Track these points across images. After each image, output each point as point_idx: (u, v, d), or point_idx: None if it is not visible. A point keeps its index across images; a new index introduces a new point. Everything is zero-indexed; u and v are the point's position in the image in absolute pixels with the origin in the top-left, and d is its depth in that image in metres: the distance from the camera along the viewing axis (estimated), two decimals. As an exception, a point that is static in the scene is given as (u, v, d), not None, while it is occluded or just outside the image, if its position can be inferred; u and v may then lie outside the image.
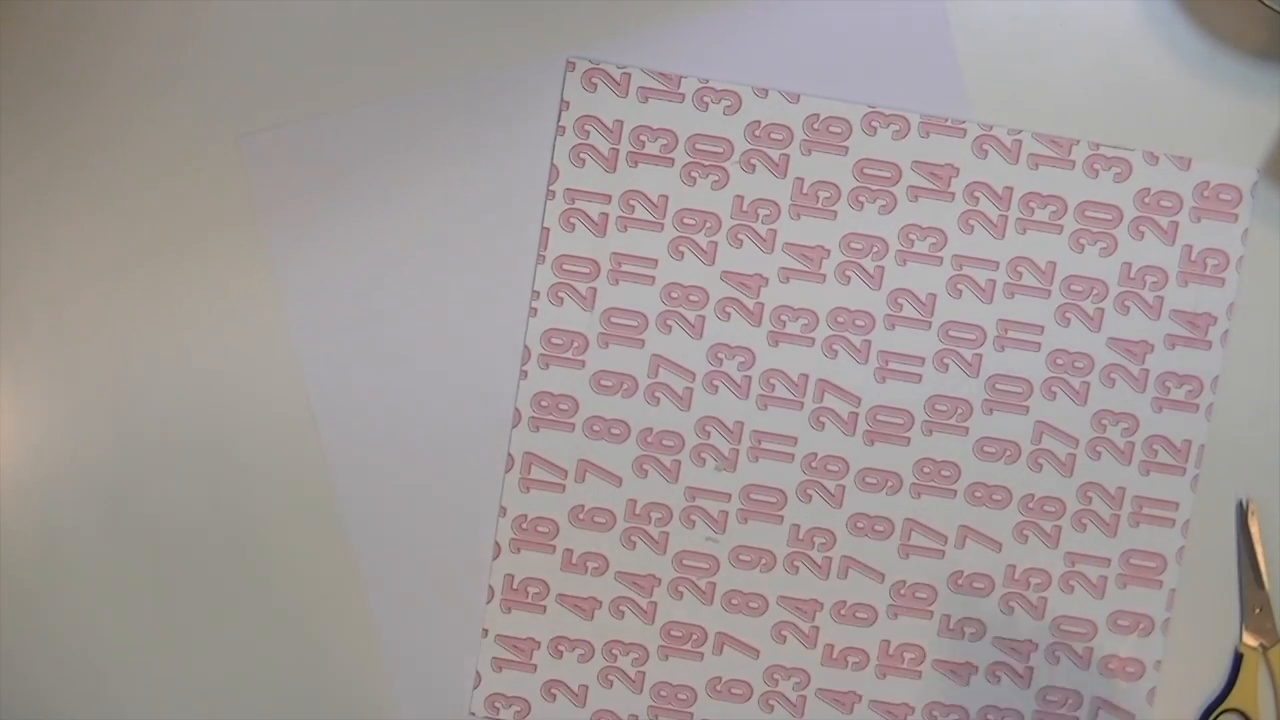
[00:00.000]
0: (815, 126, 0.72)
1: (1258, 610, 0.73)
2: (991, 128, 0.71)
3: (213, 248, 0.73)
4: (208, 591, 0.75)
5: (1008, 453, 0.72)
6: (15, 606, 0.75)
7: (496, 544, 0.74)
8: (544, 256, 0.72)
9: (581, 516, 0.74)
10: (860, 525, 0.73)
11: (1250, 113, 0.72)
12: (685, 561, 0.74)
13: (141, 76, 0.72)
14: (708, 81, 0.72)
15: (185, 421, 0.74)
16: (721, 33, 0.72)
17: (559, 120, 0.72)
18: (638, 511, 0.73)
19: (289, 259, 0.73)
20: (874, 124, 0.71)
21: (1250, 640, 0.73)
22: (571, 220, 0.72)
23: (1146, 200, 0.71)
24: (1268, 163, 0.71)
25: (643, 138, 0.72)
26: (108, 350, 0.73)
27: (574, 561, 0.74)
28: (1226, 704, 0.73)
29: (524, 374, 0.73)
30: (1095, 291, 0.72)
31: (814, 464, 0.73)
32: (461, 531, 0.74)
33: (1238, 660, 0.73)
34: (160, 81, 0.72)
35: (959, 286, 0.72)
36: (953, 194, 0.72)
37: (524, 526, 0.73)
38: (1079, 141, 0.71)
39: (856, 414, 0.73)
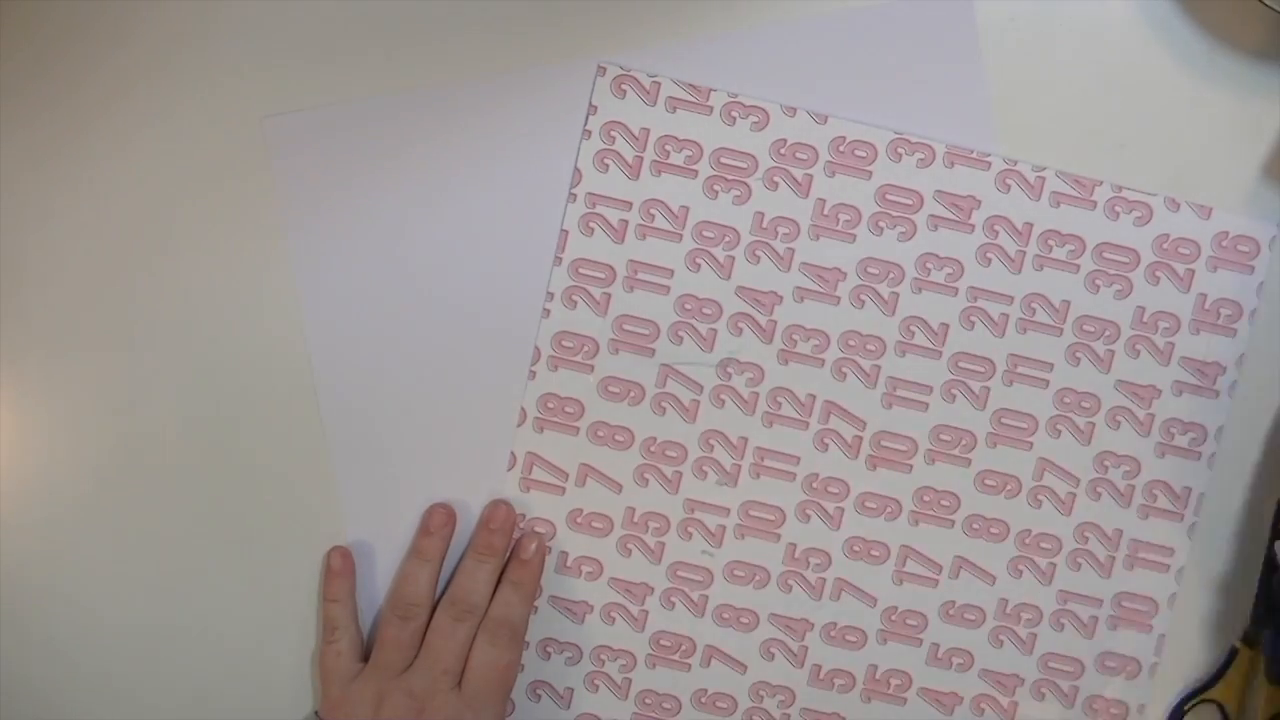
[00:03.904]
0: (841, 149, 0.72)
1: None
2: (1016, 163, 0.72)
3: (227, 234, 0.73)
4: (205, 586, 0.75)
5: (1008, 487, 0.74)
6: (15, 606, 0.76)
7: (493, 541, 0.75)
8: (560, 259, 0.73)
9: (579, 520, 0.75)
10: (856, 549, 0.74)
11: (1250, 113, 0.72)
12: (679, 573, 0.75)
13: (161, 56, 0.73)
14: (737, 96, 0.72)
15: (188, 415, 0.74)
16: (753, 49, 0.72)
17: (585, 124, 0.73)
18: (636, 519, 0.74)
19: (306, 245, 0.73)
20: (900, 150, 0.72)
21: (1249, 639, 0.74)
22: (591, 225, 0.73)
23: (1165, 246, 0.72)
24: (1268, 162, 0.72)
25: (668, 147, 0.73)
26: (111, 344, 0.74)
27: (568, 564, 0.75)
28: (1208, 694, 0.74)
29: (532, 374, 0.74)
30: (1107, 333, 0.73)
31: (815, 484, 0.74)
32: (459, 526, 0.75)
33: (1232, 654, 0.74)
34: (181, 61, 0.73)
35: (972, 318, 0.73)
36: (973, 226, 0.73)
37: (521, 526, 0.74)
38: (1102, 183, 0.72)
39: (861, 438, 0.74)
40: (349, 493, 0.75)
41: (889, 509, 0.74)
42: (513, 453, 0.74)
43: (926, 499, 0.74)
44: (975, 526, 0.74)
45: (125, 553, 0.75)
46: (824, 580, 0.74)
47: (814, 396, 0.74)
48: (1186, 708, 0.74)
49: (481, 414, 0.74)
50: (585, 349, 0.74)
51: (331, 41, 0.73)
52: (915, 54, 0.72)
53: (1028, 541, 0.74)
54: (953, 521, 0.74)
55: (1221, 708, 0.75)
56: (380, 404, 0.74)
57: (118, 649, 0.76)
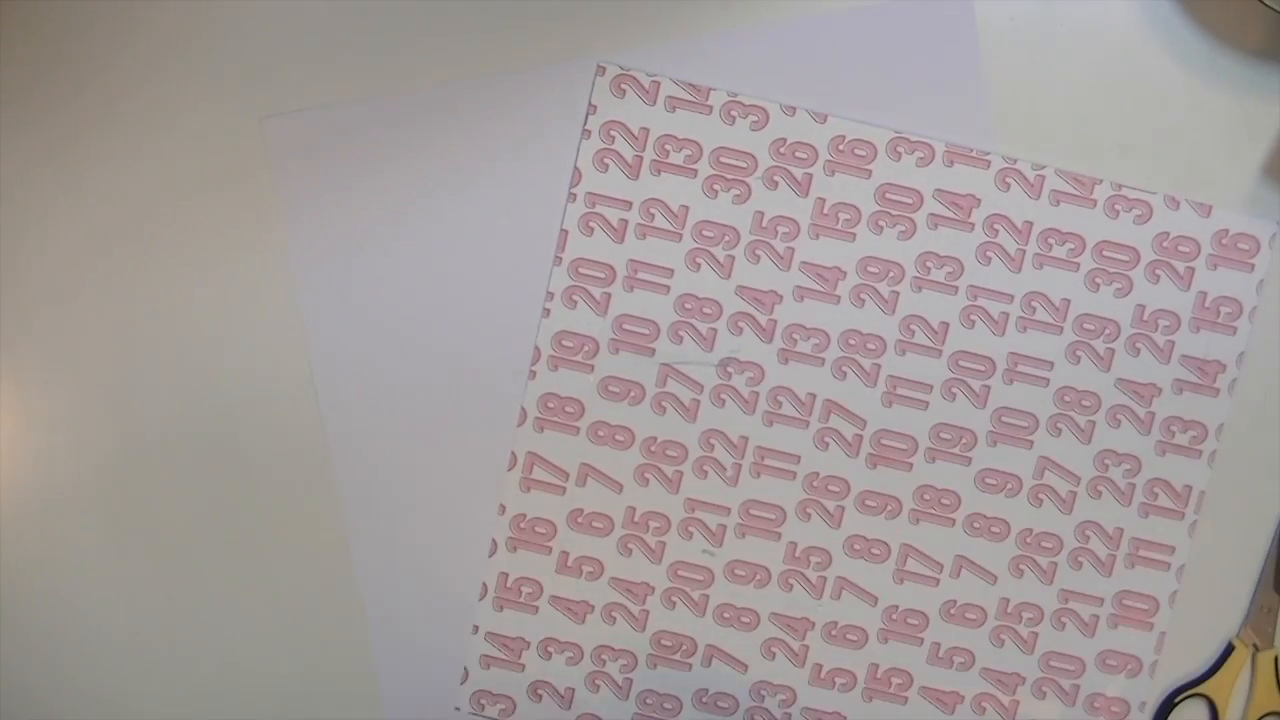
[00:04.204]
0: (840, 148, 0.73)
1: (1265, 610, 0.74)
2: (1016, 161, 0.72)
3: (226, 234, 0.74)
4: (205, 587, 0.76)
5: (1009, 486, 0.74)
6: (15, 606, 0.76)
7: (493, 541, 0.75)
8: (560, 259, 0.73)
9: (580, 520, 0.75)
10: (857, 547, 0.74)
11: (1250, 113, 0.73)
12: (680, 572, 0.75)
13: (161, 57, 0.73)
14: (736, 95, 0.73)
15: (187, 416, 0.75)
16: (752, 48, 0.73)
17: (585, 124, 0.73)
18: (636, 519, 0.75)
19: (306, 245, 0.74)
20: (899, 149, 0.72)
21: (1247, 637, 0.75)
22: (591, 224, 0.73)
23: (1165, 244, 0.72)
24: (1268, 162, 0.73)
25: (667, 147, 0.73)
26: (110, 344, 0.74)
27: (569, 564, 0.75)
28: (1199, 688, 0.75)
29: (532, 374, 0.74)
30: (1107, 331, 0.73)
31: (815, 483, 0.74)
32: (459, 526, 0.75)
33: (1227, 651, 0.75)
34: (181, 61, 0.73)
35: (972, 317, 0.73)
36: (973, 224, 0.73)
37: (522, 526, 0.75)
38: (1101, 181, 0.72)
39: (861, 436, 0.74)
40: (349, 493, 0.75)
41: (889, 507, 0.74)
42: (513, 453, 0.74)
43: (927, 497, 0.74)
44: (976, 525, 0.74)
45: (124, 555, 0.75)
46: (825, 579, 0.75)
47: (814, 395, 0.74)
48: (1176, 701, 0.75)
49: (481, 414, 0.74)
50: (585, 349, 0.74)
51: (331, 41, 0.73)
52: (915, 54, 0.72)
53: (1029, 540, 0.74)
54: (953, 520, 0.74)
55: (1211, 703, 0.75)
56: (380, 403, 0.74)
57: (117, 651, 0.76)
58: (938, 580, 0.74)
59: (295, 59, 0.73)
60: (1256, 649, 0.75)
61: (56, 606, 0.76)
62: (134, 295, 0.74)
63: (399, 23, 0.73)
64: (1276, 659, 0.75)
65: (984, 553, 0.74)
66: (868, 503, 0.74)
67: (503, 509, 0.75)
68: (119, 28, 0.73)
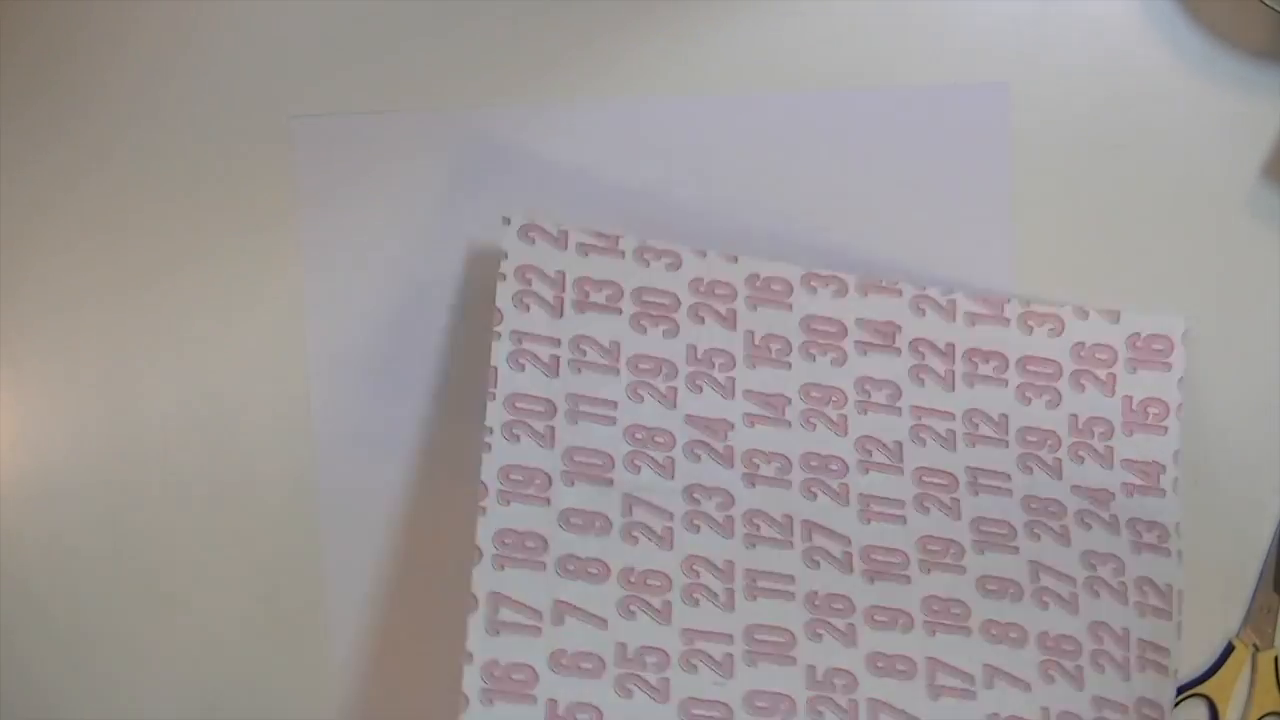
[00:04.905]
0: (757, 285, 0.75)
1: (1265, 610, 0.75)
2: (925, 288, 0.76)
3: (228, 234, 0.78)
4: (205, 588, 0.77)
5: (1011, 591, 0.71)
6: (15, 606, 0.77)
7: (464, 696, 0.63)
8: (494, 394, 0.69)
9: (564, 662, 0.65)
10: (880, 665, 0.68)
11: (1250, 113, 0.78)
12: (694, 710, 0.65)
13: (171, 59, 0.78)
14: (645, 241, 0.74)
15: (187, 417, 0.77)
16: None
17: (499, 268, 0.72)
18: (630, 656, 0.66)
19: (318, 246, 0.78)
20: (813, 284, 0.75)
21: (1247, 637, 0.76)
22: (521, 361, 0.70)
23: (1082, 353, 0.77)
24: (1268, 162, 0.78)
25: (586, 288, 0.73)
26: (111, 345, 0.77)
27: (560, 714, 0.64)
28: (1199, 689, 0.75)
29: (482, 510, 0.67)
30: (1050, 442, 0.75)
31: (817, 601, 0.69)
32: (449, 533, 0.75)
33: (1227, 651, 0.76)
34: (197, 61, 0.78)
35: (921, 435, 0.74)
36: (899, 349, 0.75)
37: (496, 674, 0.64)
38: (1010, 300, 0.77)
39: (850, 552, 0.70)
40: (328, 502, 0.77)
41: (901, 620, 0.69)
42: (474, 595, 0.65)
43: (936, 608, 0.70)
44: (993, 631, 0.70)
45: (124, 557, 0.77)
46: (856, 703, 0.67)
47: (790, 516, 0.70)
48: (1176, 701, 0.72)
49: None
50: (537, 481, 0.68)
51: (348, 48, 0.79)
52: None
53: (1049, 644, 0.70)
54: (969, 629, 0.70)
55: (1211, 703, 0.76)
56: (374, 404, 0.77)
57: (117, 651, 0.77)
58: (974, 692, 0.69)
59: (319, 61, 0.79)
60: (1256, 649, 0.75)
61: (56, 606, 0.77)
62: (136, 294, 0.78)
63: (440, 37, 0.79)
64: (1276, 659, 0.75)
65: (1010, 659, 0.70)
66: (877, 618, 0.69)
67: (470, 658, 0.64)
68: (118, 25, 0.78)
